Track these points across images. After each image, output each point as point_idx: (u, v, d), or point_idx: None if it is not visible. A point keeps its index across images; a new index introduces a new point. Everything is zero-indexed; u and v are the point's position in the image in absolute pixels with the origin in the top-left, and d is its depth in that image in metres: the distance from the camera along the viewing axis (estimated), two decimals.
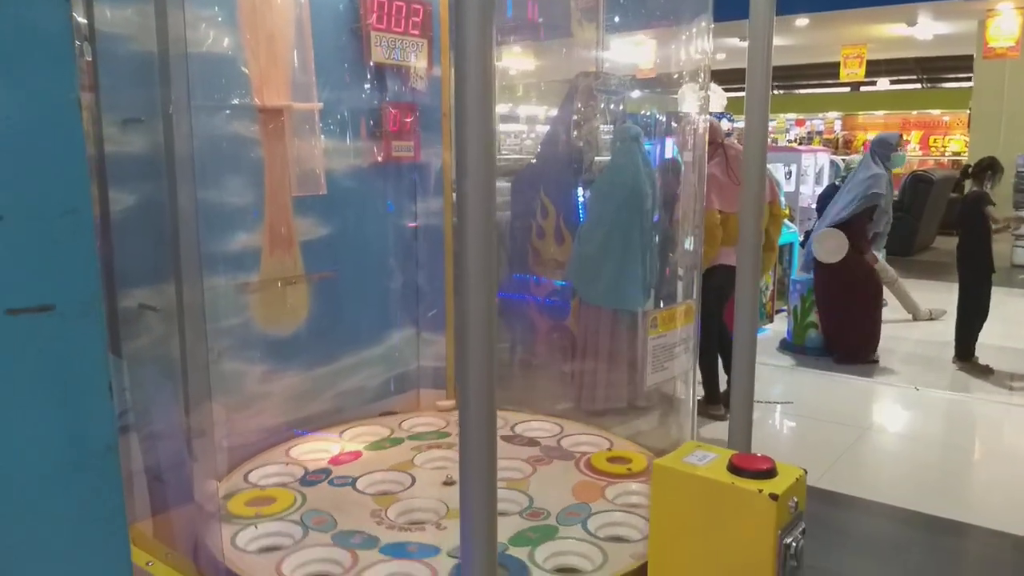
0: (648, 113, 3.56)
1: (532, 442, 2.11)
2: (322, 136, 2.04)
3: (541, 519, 1.66)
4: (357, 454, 1.95)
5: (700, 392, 5.00)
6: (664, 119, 2.94)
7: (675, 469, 1.40)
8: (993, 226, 5.65)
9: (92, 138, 1.80)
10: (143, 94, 1.78)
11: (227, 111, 1.92)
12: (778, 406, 5.30)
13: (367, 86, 2.18)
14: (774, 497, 1.28)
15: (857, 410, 5.22)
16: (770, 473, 1.34)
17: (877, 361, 5.93)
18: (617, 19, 3.47)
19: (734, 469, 1.36)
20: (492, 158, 1.04)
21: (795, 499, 1.34)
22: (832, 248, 5.77)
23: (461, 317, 1.06)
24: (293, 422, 2.08)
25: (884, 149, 5.89)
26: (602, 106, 3.64)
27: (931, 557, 3.43)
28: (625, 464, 1.69)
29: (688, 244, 2.21)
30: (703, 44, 2.10)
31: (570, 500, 1.74)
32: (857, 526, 3.71)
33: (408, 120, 2.23)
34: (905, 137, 18.53)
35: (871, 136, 18.99)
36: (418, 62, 2.17)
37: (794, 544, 1.31)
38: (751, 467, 1.36)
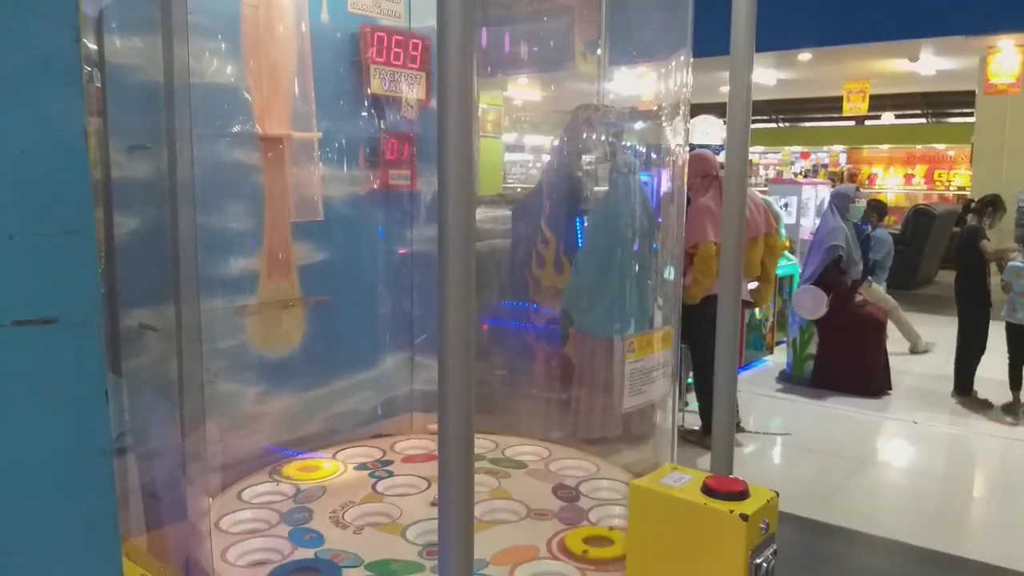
0: (645, 145, 3.64)
1: (520, 464, 2.15)
2: (321, 164, 2.12)
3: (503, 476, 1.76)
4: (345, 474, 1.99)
5: (698, 422, 5.03)
6: (659, 151, 3.01)
7: (651, 489, 1.44)
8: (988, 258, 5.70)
9: (99, 163, 1.88)
10: (149, 121, 1.86)
11: (230, 139, 1.99)
12: (778, 438, 5.32)
13: (365, 116, 2.25)
14: (744, 518, 1.31)
15: (855, 443, 5.23)
16: (742, 495, 1.38)
17: (885, 396, 5.96)
18: (631, 50, 3.55)
19: (708, 491, 1.40)
20: (472, 185, 1.09)
21: (767, 521, 1.37)
22: (811, 306, 5.89)
23: (441, 337, 1.11)
24: (286, 443, 2.13)
25: (843, 201, 6.07)
26: (602, 138, 3.72)
27: None
28: (605, 546, 1.65)
29: (668, 274, 2.27)
30: (684, 77, 2.17)
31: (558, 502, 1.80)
32: (853, 559, 3.71)
33: (405, 150, 2.30)
34: (910, 171, 18.62)
35: (876, 170, 19.12)
36: (410, 93, 2.24)
37: (765, 565, 1.35)
38: (724, 489, 1.39)
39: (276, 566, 1.85)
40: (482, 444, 2.24)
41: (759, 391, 6.16)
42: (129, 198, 1.87)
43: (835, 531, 3.88)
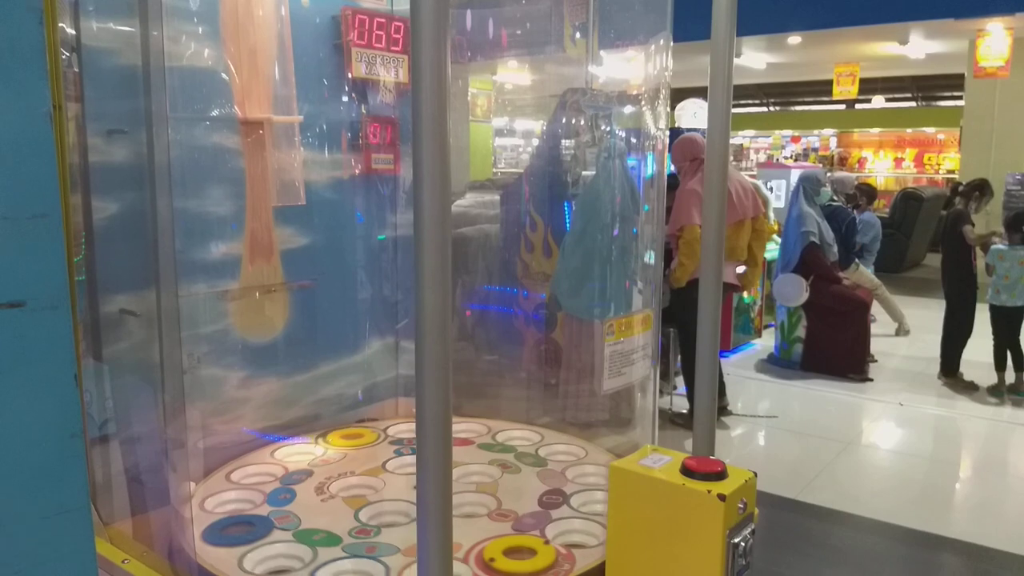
0: (632, 128, 3.64)
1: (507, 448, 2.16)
2: (302, 148, 2.10)
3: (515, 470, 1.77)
4: (335, 457, 1.99)
5: (686, 406, 5.05)
6: (644, 135, 3.00)
7: (630, 471, 1.45)
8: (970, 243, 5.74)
9: (77, 148, 1.87)
10: (127, 106, 1.84)
11: (209, 123, 1.98)
12: (763, 420, 5.35)
13: (347, 100, 2.24)
14: (722, 498, 1.33)
15: (841, 425, 5.27)
16: (720, 475, 1.39)
17: (871, 379, 5.99)
18: (612, 33, 3.54)
19: (686, 471, 1.41)
20: (447, 168, 1.09)
21: (744, 500, 1.39)
22: (791, 293, 5.92)
23: (417, 320, 1.11)
24: (271, 428, 2.13)
25: (813, 185, 6.08)
26: (590, 122, 3.71)
27: (910, 570, 3.47)
28: (521, 557, 1.57)
29: (649, 258, 2.28)
30: (665, 60, 2.16)
31: (534, 507, 1.79)
32: (838, 539, 3.75)
33: (388, 133, 2.29)
34: (900, 155, 18.66)
35: (866, 154, 19.15)
36: (388, 76, 2.23)
37: (742, 544, 1.36)
38: (702, 469, 1.41)
39: (218, 519, 1.88)
40: (473, 428, 2.25)
41: (747, 374, 6.19)
42: (108, 183, 1.86)
43: (820, 512, 3.92)
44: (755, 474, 1.45)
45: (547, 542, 1.61)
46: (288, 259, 2.13)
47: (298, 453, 2.03)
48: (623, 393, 2.35)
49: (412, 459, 2.01)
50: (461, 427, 2.17)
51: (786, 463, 4.53)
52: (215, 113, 1.99)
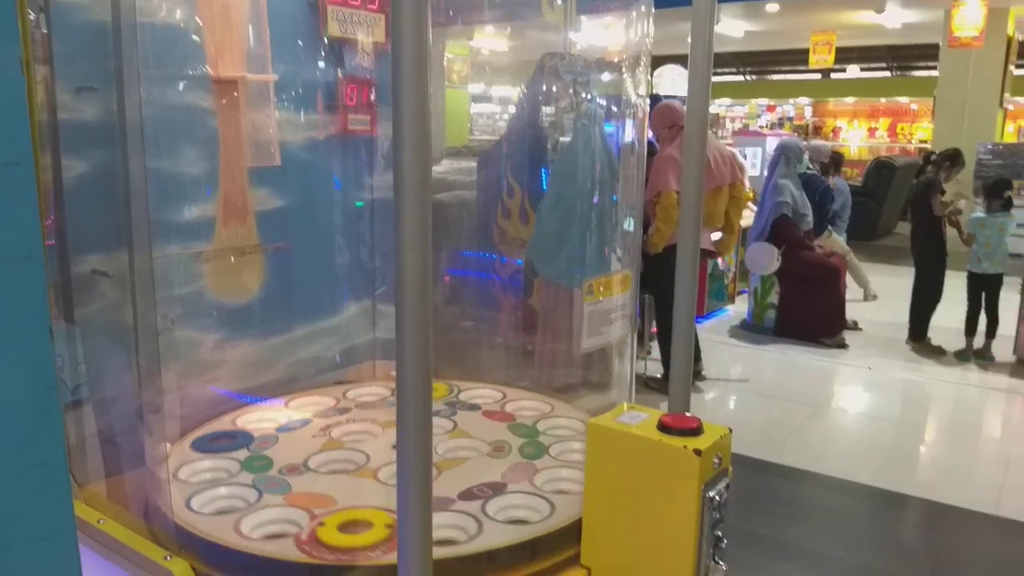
0: (609, 94, 3.62)
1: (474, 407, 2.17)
2: (276, 108, 2.07)
3: (507, 453, 1.76)
4: (303, 424, 1.99)
5: (660, 370, 5.11)
6: (623, 101, 2.99)
7: (607, 427, 1.46)
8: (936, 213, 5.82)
9: (46, 107, 1.82)
10: (97, 63, 1.80)
11: (182, 81, 1.94)
12: (736, 384, 5.44)
13: (323, 59, 2.21)
14: (698, 452, 1.35)
15: (812, 389, 5.37)
16: (696, 431, 1.41)
17: (844, 345, 6.09)
18: None
19: (663, 427, 1.43)
20: (427, 130, 1.08)
21: (719, 456, 1.41)
22: (764, 262, 5.99)
23: (397, 285, 1.11)
24: (246, 390, 2.12)
25: (795, 152, 6.12)
26: (567, 87, 3.69)
27: (876, 527, 3.56)
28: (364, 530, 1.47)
29: (628, 225, 2.29)
30: (646, 27, 2.15)
31: (516, 438, 1.82)
32: (806, 498, 3.84)
33: (365, 94, 2.26)
34: (874, 124, 18.80)
35: (840, 123, 19.26)
36: (366, 37, 2.20)
37: (717, 498, 1.38)
38: (678, 425, 1.42)
39: (197, 436, 1.95)
40: (437, 388, 2.24)
41: (720, 340, 6.27)
42: (77, 141, 1.82)
43: (789, 472, 4.01)
44: (730, 430, 1.48)
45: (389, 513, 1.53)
46: (263, 221, 2.11)
47: (268, 418, 2.02)
48: (599, 356, 2.37)
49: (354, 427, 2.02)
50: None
51: (758, 426, 4.61)
52: (187, 71, 1.95)
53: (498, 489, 1.61)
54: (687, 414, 1.51)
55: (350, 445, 1.87)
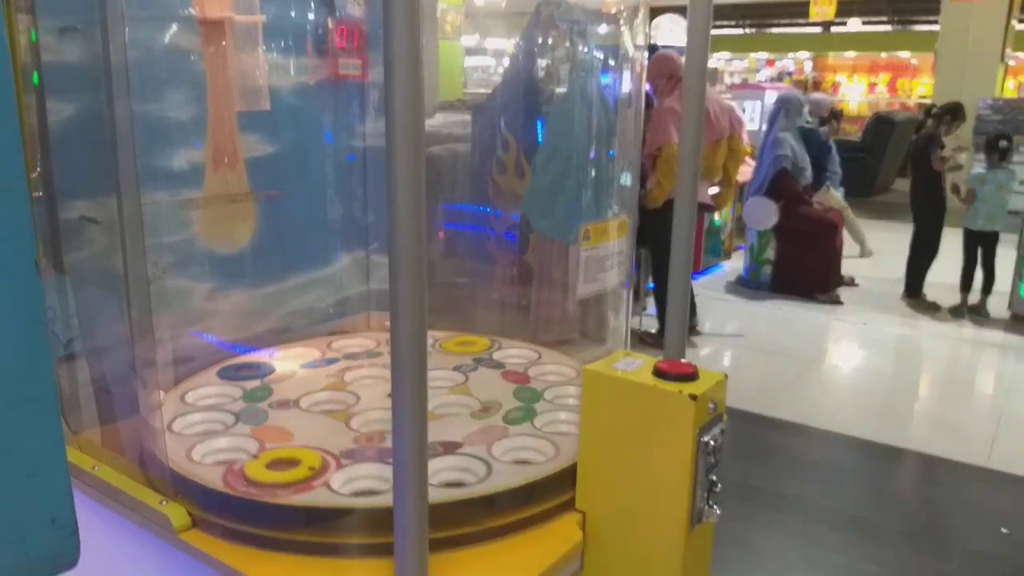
0: (607, 45, 3.55)
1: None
2: (265, 51, 2.02)
3: (493, 414, 1.71)
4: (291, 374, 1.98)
5: (655, 326, 5.11)
6: (621, 52, 2.93)
7: (603, 373, 1.45)
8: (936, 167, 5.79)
9: (29, 50, 1.77)
10: (80, 2, 1.75)
11: (168, 22, 1.89)
12: (731, 339, 5.45)
13: (313, 2, 2.15)
14: (693, 397, 1.34)
15: (807, 344, 5.39)
16: (692, 377, 1.40)
17: (840, 301, 6.09)
18: None
19: (659, 373, 1.41)
20: (419, 76, 1.05)
21: (714, 401, 1.40)
22: (762, 217, 5.97)
23: (390, 234, 1.09)
24: (240, 340, 2.11)
25: (795, 106, 6.06)
26: (564, 37, 3.62)
27: (867, 479, 3.60)
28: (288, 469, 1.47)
29: (625, 180, 2.25)
30: None
31: (513, 402, 1.78)
32: (799, 450, 3.87)
33: (356, 37, 2.21)
34: (873, 80, 18.60)
35: (840, 78, 19.04)
36: None
37: (712, 442, 1.38)
38: (674, 371, 1.41)
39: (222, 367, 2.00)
40: (476, 342, 2.20)
41: (715, 296, 6.27)
42: (62, 83, 1.77)
43: (783, 425, 4.04)
44: (726, 376, 1.47)
45: (326, 456, 1.51)
46: (253, 168, 2.07)
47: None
48: (594, 311, 2.36)
49: (368, 371, 2.00)
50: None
51: (752, 380, 4.63)
52: (173, 12, 1.89)
53: (449, 448, 1.56)
54: (683, 360, 1.50)
55: (352, 388, 1.86)
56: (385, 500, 1.29)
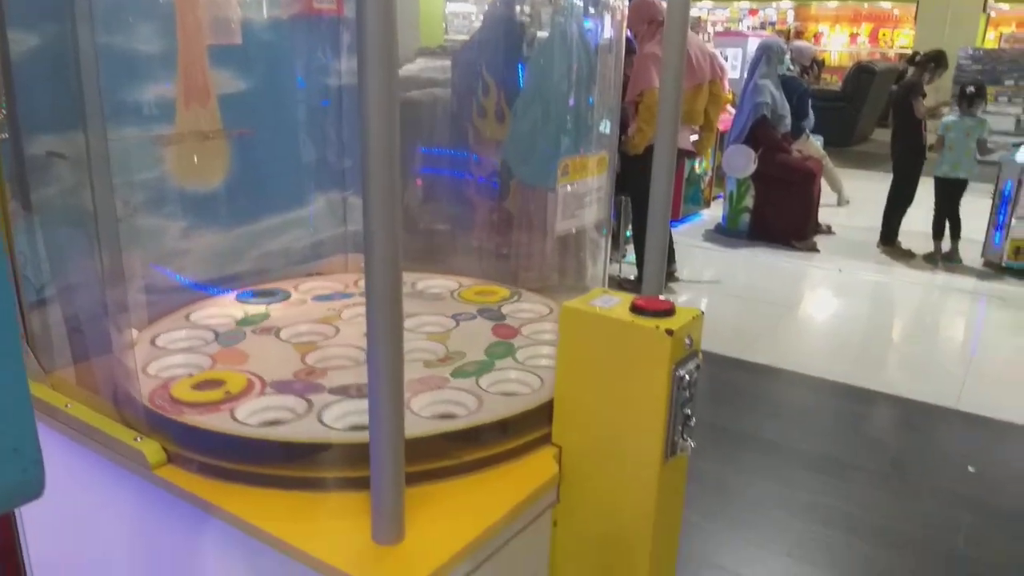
0: None
1: (435, 297, 2.13)
2: None
3: (447, 365, 1.68)
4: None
5: (635, 272, 5.13)
6: None
7: (581, 310, 1.45)
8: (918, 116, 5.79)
9: None
10: None
11: None
12: (708, 286, 5.48)
13: None
14: (670, 332, 1.34)
15: (783, 290, 5.44)
16: (668, 313, 1.41)
17: (816, 248, 6.14)
18: None
19: (636, 309, 1.42)
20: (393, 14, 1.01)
21: (690, 336, 1.41)
22: (740, 165, 5.95)
23: (363, 173, 1.07)
24: (215, 281, 2.08)
25: (777, 53, 6.01)
26: None
27: (839, 420, 3.67)
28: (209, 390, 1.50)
29: (605, 128, 2.22)
30: None
31: (479, 356, 1.75)
32: (776, 393, 3.93)
33: None
34: (855, 30, 18.49)
35: (822, 28, 18.90)
36: None
37: (687, 377, 1.39)
38: (651, 307, 1.42)
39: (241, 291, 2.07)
40: (496, 291, 2.17)
41: (694, 243, 6.29)
42: (24, 11, 1.70)
43: (759, 369, 4.09)
44: (702, 312, 1.47)
45: (254, 383, 1.53)
46: (226, 105, 2.02)
47: (224, 313, 1.98)
48: (573, 256, 2.35)
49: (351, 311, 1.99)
50: None
51: (729, 326, 4.68)
52: None
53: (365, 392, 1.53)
54: (660, 297, 1.50)
55: (339, 323, 1.85)
56: (293, 432, 1.37)
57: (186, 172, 1.98)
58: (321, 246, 2.40)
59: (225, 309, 1.96)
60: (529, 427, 1.51)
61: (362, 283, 2.17)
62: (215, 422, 1.40)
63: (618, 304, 1.46)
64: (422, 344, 1.78)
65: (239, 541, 1.29)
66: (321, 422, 1.41)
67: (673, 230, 5.72)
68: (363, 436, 1.23)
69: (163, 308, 1.94)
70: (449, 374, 1.62)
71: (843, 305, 5.36)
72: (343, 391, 1.53)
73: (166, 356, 1.70)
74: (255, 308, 1.98)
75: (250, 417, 1.43)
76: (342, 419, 1.44)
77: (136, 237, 1.89)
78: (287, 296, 2.08)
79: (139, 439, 1.43)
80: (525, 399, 1.53)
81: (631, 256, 5.28)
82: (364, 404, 1.45)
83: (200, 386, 1.51)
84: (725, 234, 6.47)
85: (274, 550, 1.22)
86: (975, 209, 5.84)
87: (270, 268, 2.25)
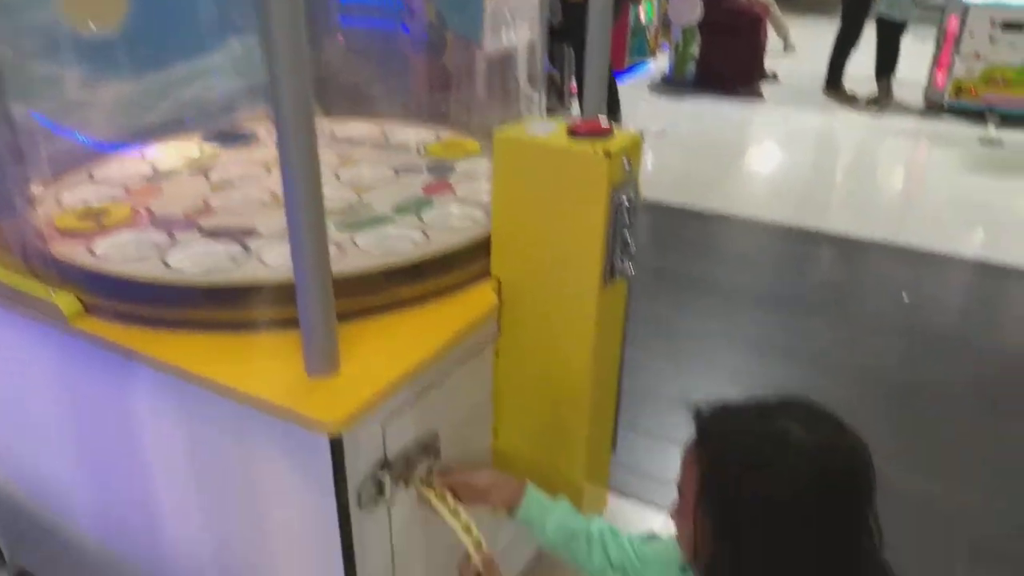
0: None
1: (354, 142, 2.03)
2: None
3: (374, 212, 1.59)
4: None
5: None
6: None
7: (515, 138, 1.38)
8: None
9: None
10: None
11: None
12: (655, 136, 5.40)
13: None
14: (608, 154, 1.28)
15: (729, 138, 5.40)
16: (606, 134, 1.34)
17: (762, 95, 6.06)
18: None
19: (572, 132, 1.35)
20: None
21: (629, 160, 1.35)
22: (686, 12, 5.75)
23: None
24: (126, 133, 1.94)
25: None
26: None
27: (783, 259, 3.73)
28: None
29: None
30: None
31: (385, 211, 1.64)
32: (724, 239, 3.96)
33: None
34: None
35: None
36: None
37: (626, 202, 1.34)
38: (588, 129, 1.35)
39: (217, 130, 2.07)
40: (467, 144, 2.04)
41: (640, 95, 6.16)
42: None
43: (705, 216, 4.10)
44: (642, 135, 1.41)
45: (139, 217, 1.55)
46: None
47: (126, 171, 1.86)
48: (512, 110, 2.24)
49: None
50: None
51: (676, 175, 4.65)
52: None
53: (236, 235, 1.46)
54: (598, 117, 1.43)
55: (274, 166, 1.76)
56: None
57: (79, 13, 1.80)
58: (240, 94, 2.24)
59: (183, 151, 1.97)
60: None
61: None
62: (83, 257, 1.38)
63: (554, 130, 1.39)
64: (337, 194, 1.68)
65: (168, 386, 1.24)
66: (166, 264, 1.36)
67: (619, 81, 5.58)
68: (280, 275, 1.24)
69: (67, 164, 1.81)
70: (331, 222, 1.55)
71: (788, 150, 5.36)
72: (214, 232, 1.48)
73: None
74: (211, 149, 1.99)
75: (109, 250, 1.41)
76: (192, 260, 1.38)
77: (30, 86, 1.73)
78: (252, 138, 2.07)
79: (54, 292, 1.35)
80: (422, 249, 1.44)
81: (576, 109, 5.15)
82: (222, 247, 1.43)
83: (83, 216, 1.51)
84: (671, 84, 6.34)
85: (204, 390, 1.18)
86: (917, 50, 5.78)
87: (183, 119, 2.09)
